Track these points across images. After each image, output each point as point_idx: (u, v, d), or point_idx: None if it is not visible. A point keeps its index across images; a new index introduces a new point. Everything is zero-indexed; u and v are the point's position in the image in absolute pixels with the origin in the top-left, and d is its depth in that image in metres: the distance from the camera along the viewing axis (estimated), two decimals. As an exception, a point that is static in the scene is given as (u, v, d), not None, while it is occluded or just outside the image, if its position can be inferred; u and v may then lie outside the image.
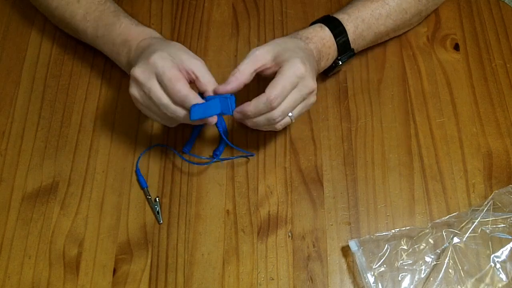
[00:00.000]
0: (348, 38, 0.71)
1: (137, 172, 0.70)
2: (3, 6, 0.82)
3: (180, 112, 0.61)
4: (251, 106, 0.61)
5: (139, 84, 0.61)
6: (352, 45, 0.72)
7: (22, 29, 0.80)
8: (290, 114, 0.63)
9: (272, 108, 0.60)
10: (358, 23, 0.71)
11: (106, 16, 0.70)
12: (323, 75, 0.76)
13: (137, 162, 0.71)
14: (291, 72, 0.60)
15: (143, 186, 0.69)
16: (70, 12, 0.72)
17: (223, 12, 0.82)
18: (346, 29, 0.70)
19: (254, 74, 0.63)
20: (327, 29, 0.70)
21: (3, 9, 0.82)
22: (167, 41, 0.66)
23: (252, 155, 0.71)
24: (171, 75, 0.59)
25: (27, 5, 0.80)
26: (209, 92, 0.62)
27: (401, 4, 0.73)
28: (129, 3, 0.82)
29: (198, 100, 0.60)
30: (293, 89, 0.61)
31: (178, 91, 0.59)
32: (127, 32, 0.68)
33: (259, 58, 0.63)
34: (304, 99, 0.63)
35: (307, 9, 0.83)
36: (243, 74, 0.62)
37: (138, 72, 0.61)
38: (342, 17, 0.71)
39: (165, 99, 0.60)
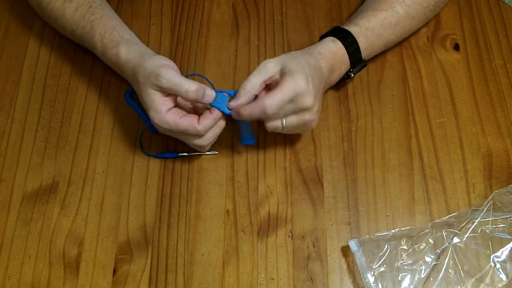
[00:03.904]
0: (360, 50, 0.70)
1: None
2: (3, 7, 0.82)
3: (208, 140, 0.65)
4: (247, 111, 0.63)
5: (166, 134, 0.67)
6: (364, 55, 0.72)
7: (22, 29, 0.80)
8: (284, 122, 0.64)
9: (266, 116, 0.62)
10: (369, 34, 0.71)
11: (85, 37, 0.71)
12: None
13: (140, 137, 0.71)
14: (291, 87, 0.61)
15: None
16: (61, 27, 0.74)
17: (223, 12, 0.82)
18: (358, 41, 0.70)
19: (263, 85, 0.64)
20: (339, 42, 0.70)
21: (3, 10, 0.82)
22: (136, 80, 0.64)
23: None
24: (178, 128, 0.62)
25: (27, 5, 0.80)
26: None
27: (409, 12, 0.73)
28: (129, 3, 0.82)
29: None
30: (290, 103, 0.62)
31: (196, 133, 0.63)
32: (103, 59, 0.71)
33: (268, 70, 0.64)
34: (296, 113, 0.64)
35: (307, 9, 0.83)
36: (253, 86, 0.63)
37: (160, 130, 0.65)
38: (354, 30, 0.71)
39: (192, 139, 0.65)
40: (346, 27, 0.71)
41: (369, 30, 0.71)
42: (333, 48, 0.69)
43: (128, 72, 0.67)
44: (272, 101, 0.61)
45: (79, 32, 0.72)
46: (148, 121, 0.71)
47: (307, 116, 0.64)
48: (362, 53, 0.71)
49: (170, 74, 0.61)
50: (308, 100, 0.63)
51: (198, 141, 0.64)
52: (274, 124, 0.64)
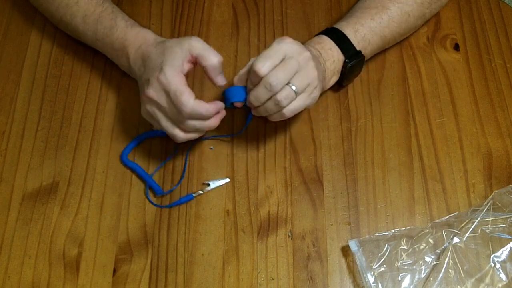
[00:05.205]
0: (349, 41, 0.71)
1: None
2: (3, 6, 0.82)
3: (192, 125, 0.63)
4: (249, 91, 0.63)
5: (154, 103, 0.63)
6: (358, 48, 0.71)
7: (22, 29, 0.80)
8: (293, 87, 0.61)
9: (261, 77, 0.60)
10: (358, 27, 0.72)
11: (104, 19, 0.70)
12: (338, 86, 0.75)
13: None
14: (276, 45, 0.62)
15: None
16: (70, 15, 0.73)
17: (223, 12, 0.82)
18: (345, 32, 0.71)
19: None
20: (323, 35, 0.72)
21: (3, 9, 0.82)
22: (161, 45, 0.65)
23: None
24: (180, 89, 0.60)
25: (27, 5, 0.80)
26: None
27: (403, 8, 0.73)
28: (129, 3, 0.82)
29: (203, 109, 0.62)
30: (282, 59, 0.61)
31: (184, 105, 0.60)
32: (123, 36, 0.69)
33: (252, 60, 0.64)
34: (300, 65, 0.61)
35: (307, 9, 0.83)
36: (240, 77, 0.65)
37: (152, 92, 0.62)
38: (340, 24, 0.73)
39: (180, 116, 0.62)
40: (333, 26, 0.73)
41: (358, 24, 0.72)
42: (317, 39, 0.71)
43: (152, 43, 0.66)
44: (259, 61, 0.60)
45: (93, 17, 0.71)
46: (153, 182, 0.69)
47: (311, 71, 0.63)
48: (355, 45, 0.71)
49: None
50: (299, 48, 0.62)
51: (182, 118, 0.62)
52: (286, 96, 0.61)
